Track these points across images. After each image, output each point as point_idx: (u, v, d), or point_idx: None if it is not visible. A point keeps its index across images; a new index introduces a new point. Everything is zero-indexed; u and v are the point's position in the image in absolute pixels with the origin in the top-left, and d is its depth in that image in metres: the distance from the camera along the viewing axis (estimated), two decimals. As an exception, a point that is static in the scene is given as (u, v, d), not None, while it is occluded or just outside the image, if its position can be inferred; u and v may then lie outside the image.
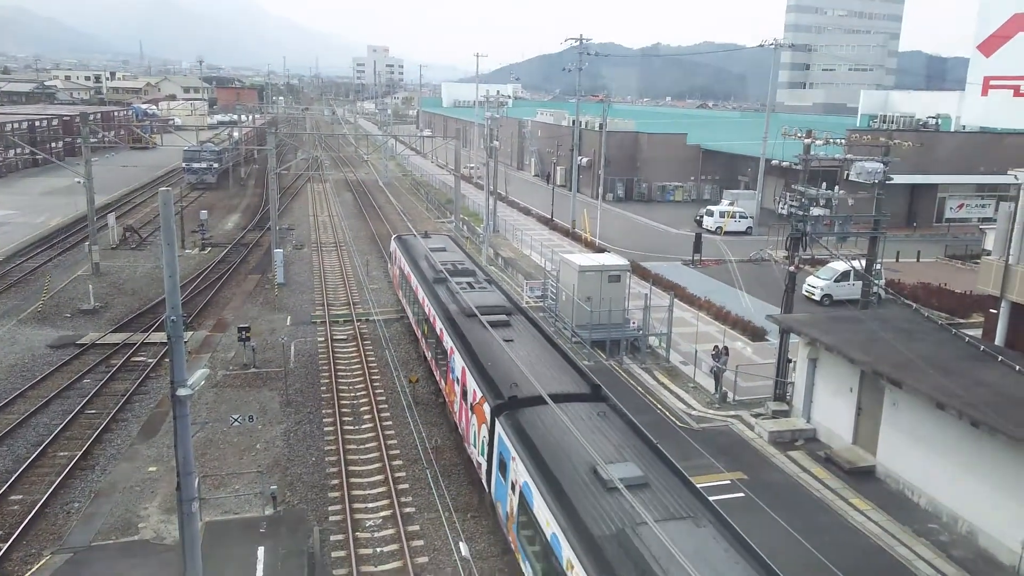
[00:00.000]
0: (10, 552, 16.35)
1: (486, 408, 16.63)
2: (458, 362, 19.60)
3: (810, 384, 22.74)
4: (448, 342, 20.96)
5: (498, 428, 15.73)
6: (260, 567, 15.23)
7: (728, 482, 19.40)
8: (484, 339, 19.60)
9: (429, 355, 24.81)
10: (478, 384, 17.59)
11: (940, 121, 66.86)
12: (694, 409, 24.19)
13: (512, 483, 14.62)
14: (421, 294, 25.84)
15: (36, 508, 17.83)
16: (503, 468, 15.29)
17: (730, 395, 24.85)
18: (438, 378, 23.13)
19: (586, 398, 16.63)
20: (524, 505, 13.79)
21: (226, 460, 20.36)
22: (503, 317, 21.46)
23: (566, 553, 11.74)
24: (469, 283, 25.32)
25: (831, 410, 22.07)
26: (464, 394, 18.93)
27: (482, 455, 17.14)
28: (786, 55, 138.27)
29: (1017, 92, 45.34)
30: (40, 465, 20.08)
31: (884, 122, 70.10)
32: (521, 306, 24.20)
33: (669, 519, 11.83)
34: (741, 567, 11.00)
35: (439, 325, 22.38)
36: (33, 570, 15.26)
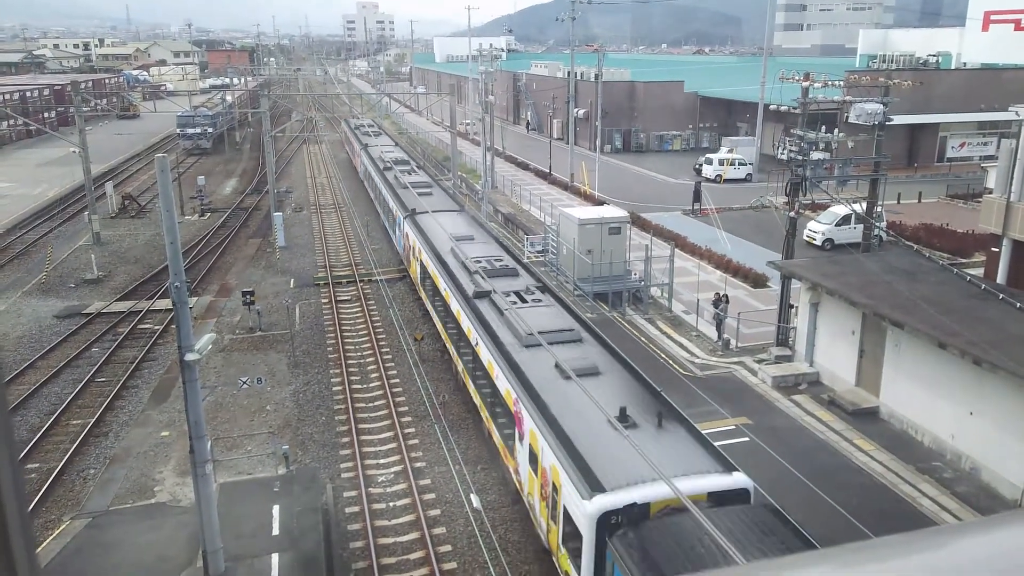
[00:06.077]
0: (30, 519, 16.69)
1: (382, 172, 39.74)
2: (360, 155, 47.44)
3: (812, 328, 22.85)
4: (361, 153, 47.74)
5: (405, 225, 30.66)
6: (276, 524, 15.55)
7: (733, 427, 19.65)
8: (378, 153, 44.93)
9: (357, 163, 51.76)
10: (371, 167, 41.53)
11: (940, 59, 65.54)
12: (697, 357, 24.39)
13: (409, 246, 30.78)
14: (353, 139, 55.18)
15: (53, 475, 18.12)
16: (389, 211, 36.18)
17: (732, 342, 25.02)
18: (355, 164, 53.69)
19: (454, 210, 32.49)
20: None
21: (237, 422, 20.65)
22: (392, 151, 48.50)
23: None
24: (372, 134, 55.30)
25: (834, 353, 22.22)
26: (367, 173, 44.25)
27: (377, 201, 40.70)
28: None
29: (1018, 26, 44.56)
30: (54, 434, 20.36)
31: (884, 62, 68.49)
32: (409, 155, 50.64)
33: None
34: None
35: (359, 149, 49.11)
36: (54, 535, 15.59)
